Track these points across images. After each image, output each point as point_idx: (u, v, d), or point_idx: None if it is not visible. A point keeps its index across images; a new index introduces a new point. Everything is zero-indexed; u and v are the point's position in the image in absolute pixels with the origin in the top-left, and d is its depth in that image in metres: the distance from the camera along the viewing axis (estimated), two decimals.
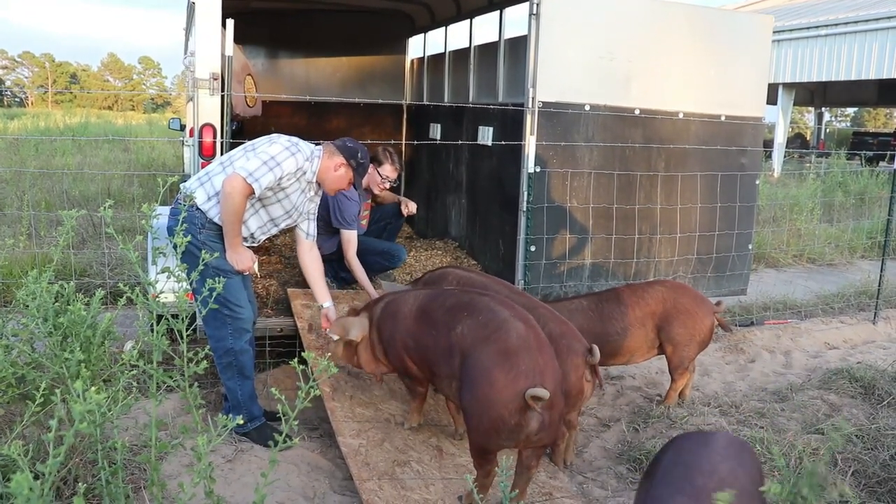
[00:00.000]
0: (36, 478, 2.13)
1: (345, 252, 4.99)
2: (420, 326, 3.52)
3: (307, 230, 4.14)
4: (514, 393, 2.97)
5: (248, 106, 7.03)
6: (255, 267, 3.93)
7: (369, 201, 5.55)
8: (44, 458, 2.96)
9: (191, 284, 3.61)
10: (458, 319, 3.31)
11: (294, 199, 3.92)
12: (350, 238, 4.99)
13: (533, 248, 4.94)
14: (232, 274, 3.77)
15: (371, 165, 5.27)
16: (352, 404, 3.87)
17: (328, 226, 5.12)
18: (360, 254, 5.04)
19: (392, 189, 5.67)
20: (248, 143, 3.87)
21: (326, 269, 5.22)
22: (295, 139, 3.90)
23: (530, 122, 4.81)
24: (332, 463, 3.79)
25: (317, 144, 4.05)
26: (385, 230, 5.78)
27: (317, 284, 4.20)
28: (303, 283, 5.34)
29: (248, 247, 3.93)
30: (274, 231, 4.03)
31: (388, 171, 5.29)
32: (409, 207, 5.60)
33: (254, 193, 3.64)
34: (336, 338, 3.82)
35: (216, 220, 3.73)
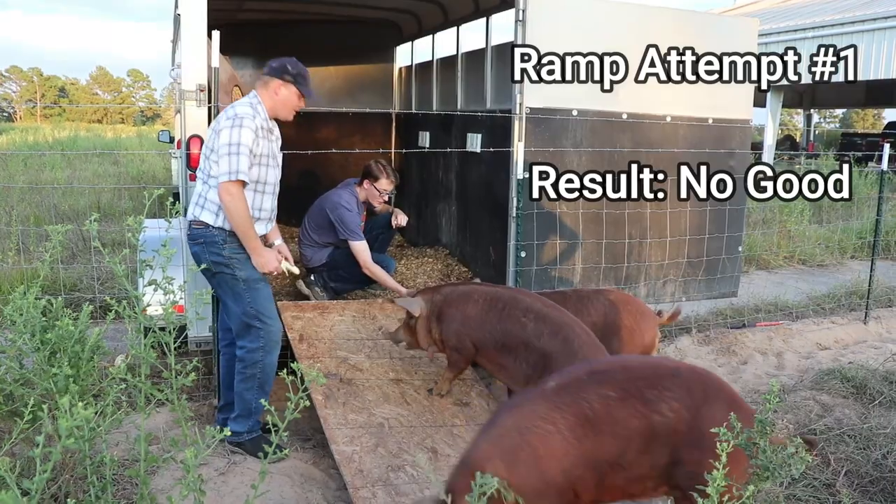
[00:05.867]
0: (25, 494, 2.12)
1: (362, 263, 5.01)
2: (495, 321, 3.86)
3: None
4: None
5: None
6: (286, 266, 3.95)
7: (364, 213, 5.53)
8: (33, 474, 2.94)
9: (225, 304, 3.90)
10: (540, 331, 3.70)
11: (269, 150, 3.92)
12: (361, 248, 5.01)
13: (523, 254, 4.94)
14: (261, 283, 3.82)
15: (367, 181, 5.27)
16: (345, 411, 3.85)
17: (319, 239, 5.12)
18: (348, 266, 5.03)
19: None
20: (205, 149, 3.87)
21: (316, 279, 5.23)
22: (231, 111, 3.82)
23: (518, 128, 4.81)
24: (325, 473, 3.77)
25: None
26: (377, 240, 5.77)
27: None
28: (292, 295, 5.34)
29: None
30: (275, 195, 4.05)
31: (385, 184, 5.29)
32: (399, 220, 5.59)
33: (247, 184, 3.69)
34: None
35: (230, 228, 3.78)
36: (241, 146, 3.67)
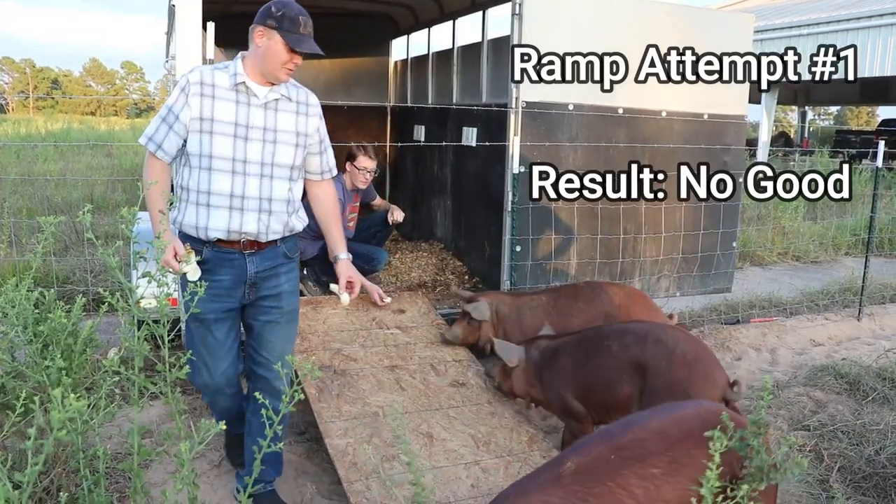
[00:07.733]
0: (16, 488, 2.11)
1: None
2: (584, 363, 3.59)
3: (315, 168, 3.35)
4: None
5: None
6: (187, 267, 2.92)
7: (357, 204, 5.52)
8: (25, 467, 2.93)
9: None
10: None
11: (226, 115, 3.00)
12: None
13: (518, 249, 4.94)
14: (203, 319, 3.04)
15: (348, 163, 5.29)
16: (339, 402, 3.83)
17: (311, 231, 5.10)
18: None
19: (376, 185, 5.66)
20: None
21: (309, 273, 5.21)
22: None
23: (514, 123, 4.80)
24: (318, 468, 3.76)
25: None
26: (374, 237, 5.77)
27: (330, 231, 3.52)
28: None
29: (242, 238, 3.08)
30: (255, 176, 3.05)
31: (365, 162, 5.28)
32: (396, 216, 5.58)
33: (156, 156, 3.02)
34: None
35: (181, 226, 3.17)
36: (163, 107, 3.04)
